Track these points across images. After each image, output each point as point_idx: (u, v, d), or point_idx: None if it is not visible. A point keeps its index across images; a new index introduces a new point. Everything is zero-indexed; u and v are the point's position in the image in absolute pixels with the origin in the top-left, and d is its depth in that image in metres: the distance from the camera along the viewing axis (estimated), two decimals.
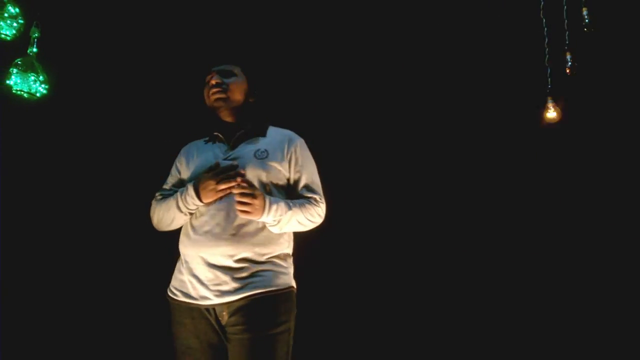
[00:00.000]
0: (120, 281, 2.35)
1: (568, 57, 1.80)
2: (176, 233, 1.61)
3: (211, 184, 1.46)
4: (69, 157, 2.37)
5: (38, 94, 2.05)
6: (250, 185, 1.47)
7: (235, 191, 1.45)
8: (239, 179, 1.45)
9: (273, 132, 1.66)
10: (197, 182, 1.50)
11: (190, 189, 1.49)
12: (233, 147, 1.59)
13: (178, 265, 1.57)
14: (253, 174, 1.51)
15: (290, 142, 1.62)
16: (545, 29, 1.62)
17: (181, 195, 1.52)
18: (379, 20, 2.39)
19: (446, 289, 2.40)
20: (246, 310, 1.42)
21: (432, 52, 2.36)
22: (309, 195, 1.59)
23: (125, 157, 2.41)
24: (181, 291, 1.49)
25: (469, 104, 2.35)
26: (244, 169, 1.50)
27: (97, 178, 2.38)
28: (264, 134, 1.64)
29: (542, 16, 1.61)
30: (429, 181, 2.46)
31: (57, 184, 2.34)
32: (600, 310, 2.21)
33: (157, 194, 1.67)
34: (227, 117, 1.66)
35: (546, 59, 1.76)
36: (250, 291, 1.43)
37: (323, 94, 2.48)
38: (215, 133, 1.64)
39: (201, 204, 1.49)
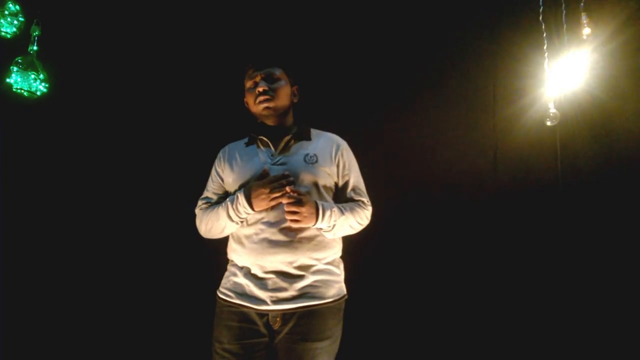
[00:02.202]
0: (129, 284, 2.35)
1: (567, 60, 1.81)
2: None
3: (263, 193, 1.43)
4: (69, 157, 2.36)
5: (38, 93, 2.06)
6: (300, 193, 1.45)
7: (284, 201, 1.44)
8: (288, 189, 1.43)
9: (317, 135, 1.65)
10: (248, 190, 1.47)
11: (242, 199, 1.46)
12: (280, 151, 1.57)
13: (231, 268, 1.56)
14: (304, 179, 1.50)
15: (337, 146, 1.63)
16: (545, 33, 1.63)
17: (232, 204, 1.48)
18: (384, 26, 2.40)
19: (453, 287, 2.39)
20: (301, 321, 1.44)
21: (431, 56, 2.36)
22: (357, 198, 1.61)
23: (127, 157, 2.41)
24: (235, 292, 1.49)
25: (467, 107, 2.35)
26: (294, 173, 1.48)
27: (96, 178, 2.38)
28: (309, 138, 1.62)
29: (541, 20, 1.62)
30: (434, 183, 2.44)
31: (56, 184, 2.34)
32: (600, 310, 2.22)
33: (200, 202, 1.64)
34: (272, 122, 1.63)
35: (545, 63, 1.76)
36: (307, 301, 1.45)
37: (356, 90, 2.40)
38: (260, 137, 1.59)
39: (253, 212, 1.47)
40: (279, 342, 1.45)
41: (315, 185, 1.52)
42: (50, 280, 2.30)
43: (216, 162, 1.66)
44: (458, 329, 2.32)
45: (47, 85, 2.08)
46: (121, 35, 2.44)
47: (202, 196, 1.65)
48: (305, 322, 1.43)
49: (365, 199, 1.62)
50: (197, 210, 1.63)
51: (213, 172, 1.66)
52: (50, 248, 2.31)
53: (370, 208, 1.62)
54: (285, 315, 1.44)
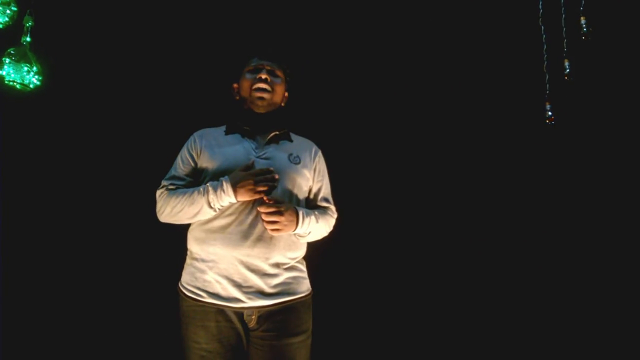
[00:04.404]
0: (120, 278, 2.33)
1: (566, 64, 1.81)
2: (181, 227, 1.58)
3: (249, 184, 1.42)
4: (63, 152, 2.34)
5: (31, 86, 2.02)
6: (277, 201, 1.45)
7: (262, 210, 1.43)
8: (265, 198, 1.43)
9: (296, 138, 1.68)
10: (233, 179, 1.44)
11: (227, 186, 1.43)
12: (264, 145, 1.58)
13: (195, 263, 1.50)
14: (286, 178, 1.52)
15: (315, 151, 1.68)
16: (544, 36, 1.63)
17: (214, 190, 1.44)
18: (384, 29, 2.40)
19: (447, 288, 2.42)
20: (277, 317, 1.45)
21: (433, 57, 2.36)
22: (326, 205, 1.65)
23: (122, 153, 2.39)
24: (207, 291, 1.45)
25: (469, 109, 2.36)
26: (278, 171, 1.48)
27: (90, 173, 2.37)
28: (290, 139, 1.65)
29: (540, 24, 1.62)
30: (432, 184, 2.47)
31: (48, 179, 2.32)
32: (600, 310, 2.24)
33: (166, 183, 1.56)
34: (257, 114, 1.63)
35: (545, 65, 1.76)
36: (282, 298, 1.47)
37: (332, 99, 2.46)
38: (246, 127, 1.60)
39: (235, 201, 1.45)
40: (257, 341, 1.46)
41: (296, 185, 1.55)
42: (42, 277, 2.29)
43: (189, 145, 1.61)
44: (422, 325, 2.37)
45: (40, 77, 2.04)
46: (116, 27, 2.41)
47: (168, 176, 1.58)
48: (281, 318, 1.45)
49: (334, 207, 1.67)
50: (160, 191, 1.55)
51: (184, 153, 1.60)
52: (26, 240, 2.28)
53: (335, 216, 1.67)
54: (261, 312, 1.45)
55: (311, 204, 1.64)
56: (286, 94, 1.72)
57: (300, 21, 2.43)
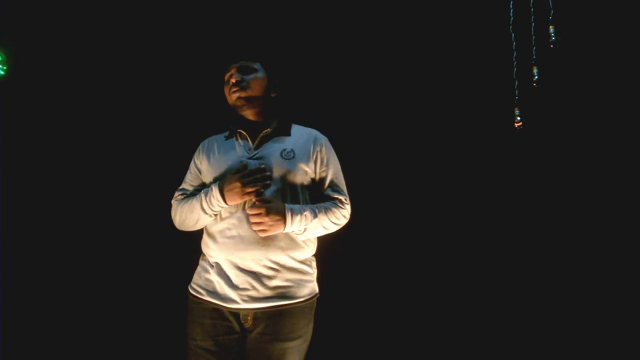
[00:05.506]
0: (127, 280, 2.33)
1: (535, 70, 1.86)
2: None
3: (237, 186, 1.44)
4: (29, 145, 2.27)
5: None
6: (266, 201, 1.45)
7: (248, 212, 1.44)
8: (254, 199, 1.44)
9: (297, 130, 1.65)
10: (222, 183, 1.47)
11: (216, 191, 1.47)
12: (257, 145, 1.57)
13: (203, 264, 1.56)
14: (279, 175, 1.51)
15: (315, 141, 1.62)
16: (514, 43, 1.68)
17: (206, 196, 1.50)
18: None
19: (460, 288, 2.43)
20: (272, 320, 1.45)
21: (407, 61, 2.39)
22: (335, 196, 1.60)
23: (91, 146, 2.34)
24: (206, 290, 1.49)
25: (441, 113, 2.40)
26: (270, 169, 1.49)
27: (63, 167, 2.31)
28: (288, 133, 1.62)
29: (511, 31, 1.67)
30: (431, 183, 2.48)
31: (16, 173, 2.25)
32: (601, 310, 2.30)
33: (177, 194, 1.65)
34: (249, 115, 1.63)
35: (514, 72, 1.81)
36: (278, 301, 1.45)
37: (344, 89, 2.42)
38: (239, 130, 1.61)
39: (226, 205, 1.48)
40: (251, 341, 1.47)
41: (291, 181, 1.53)
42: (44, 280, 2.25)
43: (195, 154, 1.68)
44: (433, 327, 2.39)
45: (4, 67, 2.00)
46: (87, 16, 2.34)
47: (179, 187, 1.67)
48: (276, 321, 1.45)
49: (343, 197, 1.61)
50: (173, 202, 1.64)
51: (191, 163, 1.67)
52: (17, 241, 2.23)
53: (348, 207, 1.61)
54: (257, 314, 1.46)
55: (318, 196, 1.60)
56: (275, 82, 1.67)
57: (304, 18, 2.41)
